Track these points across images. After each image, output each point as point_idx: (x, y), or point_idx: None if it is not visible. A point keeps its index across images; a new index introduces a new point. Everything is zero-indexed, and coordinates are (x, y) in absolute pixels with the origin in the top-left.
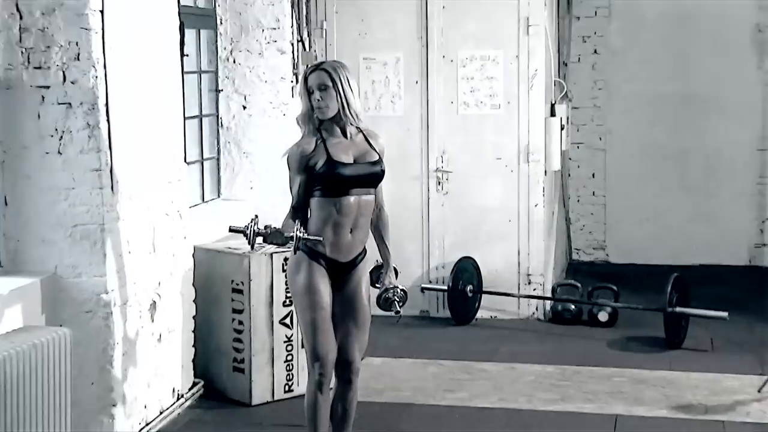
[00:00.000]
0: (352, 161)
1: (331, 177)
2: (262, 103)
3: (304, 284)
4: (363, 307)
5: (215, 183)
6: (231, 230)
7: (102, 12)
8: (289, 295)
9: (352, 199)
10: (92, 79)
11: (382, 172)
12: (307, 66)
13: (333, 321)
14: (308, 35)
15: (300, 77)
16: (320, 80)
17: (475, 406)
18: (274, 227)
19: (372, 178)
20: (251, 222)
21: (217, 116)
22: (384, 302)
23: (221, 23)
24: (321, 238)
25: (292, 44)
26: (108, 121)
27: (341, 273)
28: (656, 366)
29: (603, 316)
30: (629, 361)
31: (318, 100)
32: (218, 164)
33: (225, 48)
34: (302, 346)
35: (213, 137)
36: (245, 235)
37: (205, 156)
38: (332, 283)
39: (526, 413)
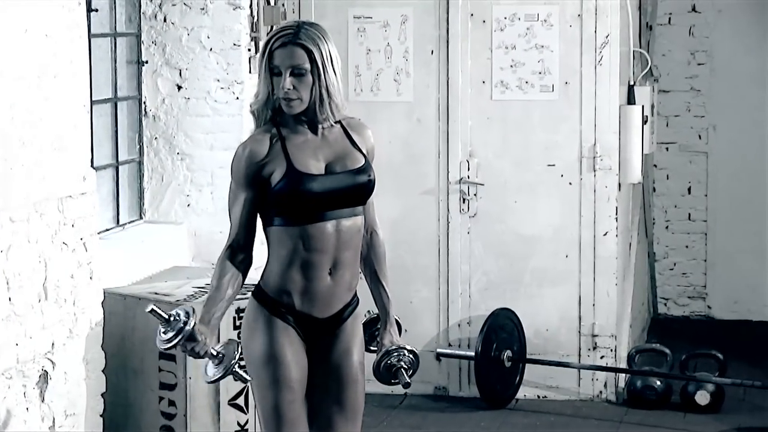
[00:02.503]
0: (323, 170)
1: (293, 195)
2: (205, 82)
3: (261, 352)
4: (353, 383)
5: (135, 197)
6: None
7: None
8: (243, 363)
9: (328, 225)
10: None
11: (371, 182)
12: (271, 29)
13: (308, 405)
14: None
15: (261, 46)
16: (294, 61)
17: None
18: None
19: (356, 193)
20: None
21: (140, 100)
22: (385, 372)
23: None
24: (249, 381)
25: None
26: None
27: (319, 334)
28: None
29: (703, 398)
30: None
31: (288, 89)
32: (140, 170)
33: (151, 0)
34: None
35: (133, 131)
36: (168, 327)
37: (120, 158)
38: (307, 348)
39: None
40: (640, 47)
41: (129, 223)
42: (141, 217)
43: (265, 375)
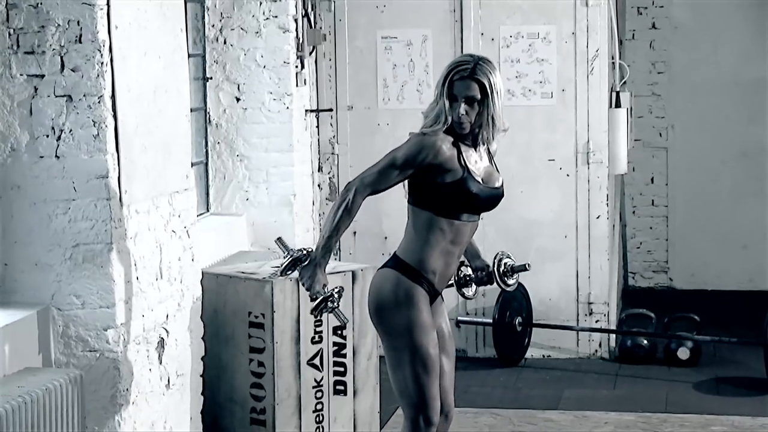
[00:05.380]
0: (481, 181)
1: (464, 196)
2: (259, 94)
3: (417, 319)
4: (451, 338)
5: (203, 194)
6: (278, 242)
7: None
8: (319, 330)
9: (469, 226)
10: (97, 65)
11: (503, 195)
12: (313, 49)
13: None
14: (313, 8)
15: (443, 74)
16: (471, 92)
17: None
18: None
19: (496, 204)
20: (300, 252)
21: (205, 110)
22: (509, 269)
23: None
24: (347, 323)
25: (296, 20)
26: (115, 117)
27: (431, 301)
28: (759, 411)
29: (683, 353)
30: (725, 406)
31: (462, 114)
32: (206, 170)
33: (213, 26)
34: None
35: (200, 137)
36: (285, 255)
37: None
38: None
39: None
40: (620, 58)
41: (199, 215)
42: (208, 210)
43: (420, 338)
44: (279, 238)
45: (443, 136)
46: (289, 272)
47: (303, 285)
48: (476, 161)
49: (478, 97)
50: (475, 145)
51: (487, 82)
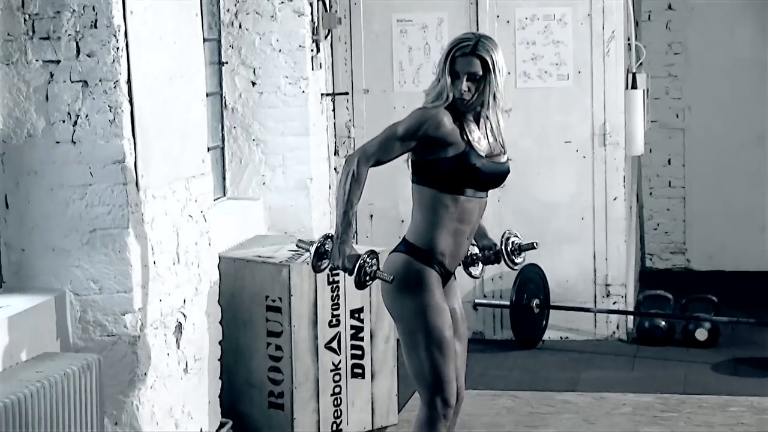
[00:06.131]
0: (484, 156)
1: (467, 170)
2: (275, 78)
3: (430, 301)
4: (464, 320)
5: (219, 178)
6: (300, 244)
7: None
8: (336, 313)
9: (476, 203)
10: (112, 51)
11: (508, 172)
12: (329, 32)
13: None
14: None
15: (445, 51)
16: (473, 68)
17: None
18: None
19: (502, 179)
20: (320, 241)
21: (221, 95)
22: (516, 248)
23: None
24: (393, 278)
25: (311, 4)
26: (131, 102)
27: (444, 282)
28: None
29: (701, 334)
30: (743, 387)
31: (464, 90)
32: (223, 155)
33: (228, 10)
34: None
35: (216, 121)
36: (309, 251)
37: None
38: None
39: None
40: (636, 39)
41: (216, 199)
42: (224, 194)
43: (433, 319)
44: (299, 240)
45: (444, 110)
46: (322, 264)
47: (338, 268)
48: (479, 138)
49: (480, 73)
50: (477, 122)
51: (489, 59)
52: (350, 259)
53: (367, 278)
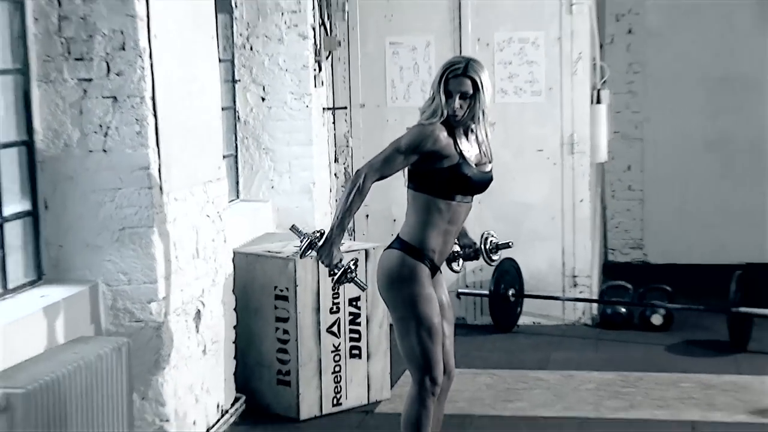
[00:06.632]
0: (474, 166)
1: (459, 179)
2: (282, 94)
3: (421, 292)
4: (450, 307)
5: (233, 183)
6: (293, 229)
7: None
8: (336, 301)
9: (464, 207)
10: (138, 70)
11: (492, 179)
12: (329, 54)
13: None
14: (329, 17)
15: (439, 73)
16: (464, 88)
17: (539, 416)
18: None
19: (486, 187)
20: (314, 234)
21: (234, 109)
22: (493, 247)
23: (236, 7)
24: (367, 288)
25: (314, 29)
26: (155, 115)
27: (432, 275)
28: (723, 370)
29: (657, 320)
30: (694, 365)
31: (456, 108)
32: (236, 162)
33: (241, 34)
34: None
35: (230, 132)
36: (301, 240)
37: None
38: None
39: (596, 422)
40: (601, 60)
41: (230, 201)
42: (238, 197)
43: (424, 308)
44: (293, 226)
45: (440, 126)
46: (307, 253)
47: (322, 263)
48: (468, 149)
49: (471, 92)
50: (467, 135)
51: (478, 79)
52: (335, 259)
53: (346, 281)
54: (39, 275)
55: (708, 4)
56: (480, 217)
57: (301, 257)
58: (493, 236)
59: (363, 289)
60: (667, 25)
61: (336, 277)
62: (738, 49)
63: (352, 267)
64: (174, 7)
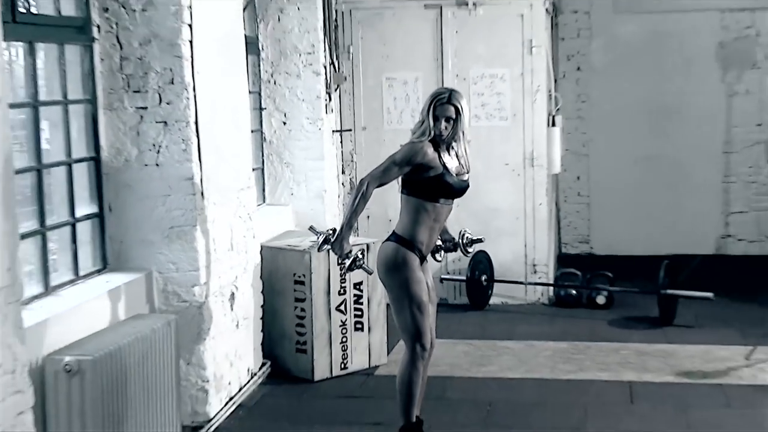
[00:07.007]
0: (455, 175)
1: (442, 186)
2: (300, 119)
3: (412, 276)
4: (434, 288)
5: (260, 190)
6: (311, 229)
7: (191, 42)
8: (344, 284)
9: (447, 207)
10: (184, 100)
11: (468, 186)
12: (338, 87)
13: None
14: (337, 58)
15: (428, 101)
16: (449, 113)
17: (507, 377)
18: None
19: (464, 192)
20: (328, 232)
21: (261, 131)
22: (469, 241)
23: (263, 49)
24: (372, 272)
25: (325, 67)
26: (198, 136)
27: (420, 263)
28: (654, 340)
29: (601, 300)
30: (630, 336)
31: (442, 129)
32: (263, 174)
33: (267, 71)
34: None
35: (258, 150)
36: (318, 238)
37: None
38: None
39: (552, 382)
40: (555, 91)
41: (258, 205)
42: (264, 201)
43: (414, 289)
44: (311, 226)
45: (428, 143)
46: (324, 247)
47: (335, 254)
48: (450, 162)
49: (454, 116)
50: (449, 151)
51: (459, 106)
52: (345, 251)
53: (356, 268)
54: (104, 265)
55: (640, 49)
56: (458, 218)
57: (318, 251)
58: (468, 233)
59: (370, 274)
60: (608, 65)
61: (347, 265)
62: (663, 84)
63: (360, 256)
64: (212, 49)
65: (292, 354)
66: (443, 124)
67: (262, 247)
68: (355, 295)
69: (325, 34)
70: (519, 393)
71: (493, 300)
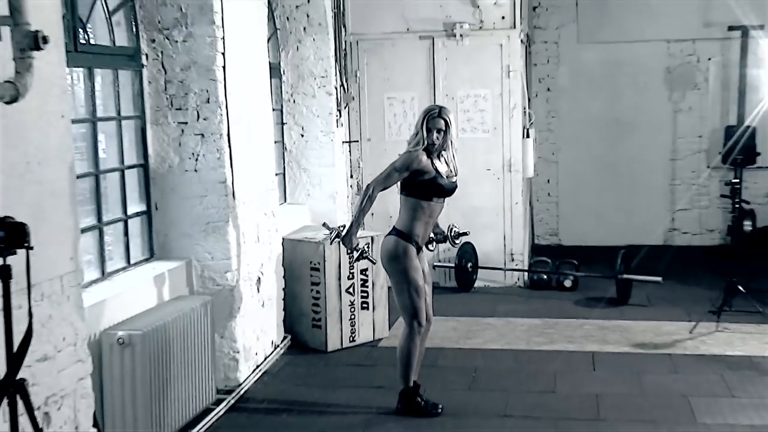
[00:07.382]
0: (445, 177)
1: (435, 187)
2: (315, 132)
3: (412, 264)
4: (431, 274)
5: (282, 191)
6: (324, 225)
7: (224, 68)
8: (352, 271)
9: (440, 205)
10: (219, 116)
11: (456, 187)
12: (347, 105)
13: None
14: (346, 80)
15: (422, 115)
16: (439, 126)
17: (489, 348)
18: (351, 233)
19: (453, 191)
20: (339, 228)
21: (282, 142)
22: (455, 234)
23: (284, 74)
24: (376, 262)
25: (336, 88)
26: (229, 147)
27: (417, 253)
28: (612, 317)
29: (568, 283)
30: (592, 314)
31: (435, 139)
32: (284, 178)
33: (287, 92)
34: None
35: (280, 158)
36: (331, 232)
37: (275, 172)
38: None
39: (528, 352)
40: (529, 108)
41: (280, 204)
42: (285, 201)
43: (414, 275)
44: (324, 223)
45: (422, 152)
46: (335, 241)
47: (345, 246)
48: (441, 167)
49: (444, 128)
50: (440, 157)
51: (448, 120)
52: (354, 244)
53: (362, 258)
54: (151, 254)
55: (600, 74)
56: (447, 214)
57: (330, 244)
58: (456, 227)
59: (374, 263)
60: (573, 86)
61: (355, 256)
62: (620, 102)
63: (366, 249)
64: (242, 74)
65: (309, 329)
66: (435, 134)
67: (283, 239)
68: (361, 280)
69: (336, 61)
70: (499, 361)
71: (478, 283)
